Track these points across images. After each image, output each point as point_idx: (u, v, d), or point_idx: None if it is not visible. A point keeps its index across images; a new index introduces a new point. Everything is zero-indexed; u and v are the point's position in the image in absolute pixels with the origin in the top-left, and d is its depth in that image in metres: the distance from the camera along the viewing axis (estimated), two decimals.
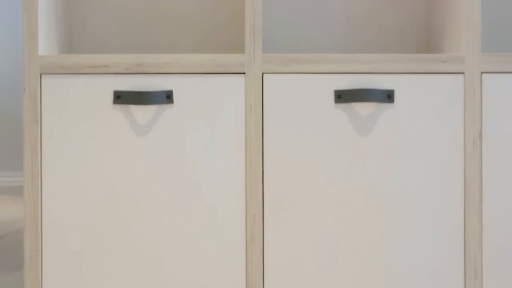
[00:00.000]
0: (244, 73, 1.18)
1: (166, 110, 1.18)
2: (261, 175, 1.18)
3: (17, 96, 3.42)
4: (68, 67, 1.17)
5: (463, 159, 1.19)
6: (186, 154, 1.17)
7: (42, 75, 1.17)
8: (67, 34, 1.37)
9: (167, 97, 1.17)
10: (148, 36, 1.41)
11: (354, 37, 1.43)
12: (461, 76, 1.19)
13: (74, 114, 1.17)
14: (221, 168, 1.17)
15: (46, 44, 1.21)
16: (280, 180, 1.18)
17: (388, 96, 1.18)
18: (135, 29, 1.41)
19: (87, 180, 1.17)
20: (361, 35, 1.43)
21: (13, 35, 3.42)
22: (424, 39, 1.43)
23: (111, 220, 1.17)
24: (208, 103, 1.18)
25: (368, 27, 1.43)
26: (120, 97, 1.17)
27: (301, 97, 1.18)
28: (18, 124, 3.50)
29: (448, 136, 1.19)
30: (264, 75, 1.18)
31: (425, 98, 1.19)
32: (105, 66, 1.17)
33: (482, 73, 1.19)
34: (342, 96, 1.18)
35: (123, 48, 1.41)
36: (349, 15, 1.43)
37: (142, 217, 1.17)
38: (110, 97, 1.17)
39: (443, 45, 1.32)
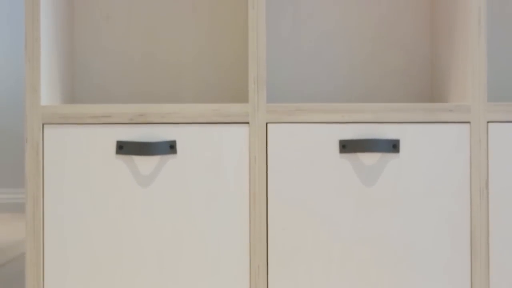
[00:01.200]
0: (248, 122, 1.17)
1: (170, 160, 1.16)
2: (265, 225, 1.17)
3: (18, 113, 3.41)
4: (70, 117, 1.16)
5: (469, 209, 1.17)
6: (190, 204, 1.16)
7: (45, 125, 1.16)
8: (69, 83, 1.36)
9: (170, 147, 1.16)
10: (150, 84, 1.40)
11: (357, 80, 1.42)
12: (467, 125, 1.18)
13: (77, 164, 1.16)
14: (225, 218, 1.16)
15: (48, 94, 1.20)
16: (285, 231, 1.17)
17: (393, 146, 1.17)
18: (137, 77, 1.40)
19: (90, 231, 1.16)
20: (364, 78, 1.42)
21: (15, 50, 3.41)
22: (428, 81, 1.42)
23: (115, 271, 1.16)
24: (212, 153, 1.17)
25: (371, 70, 1.42)
26: (123, 148, 1.15)
27: (306, 147, 1.17)
28: (18, 141, 3.49)
29: (454, 186, 1.18)
30: (268, 124, 1.17)
31: (431, 147, 1.18)
32: (108, 116, 1.16)
33: (488, 122, 1.18)
34: (347, 146, 1.17)
35: (125, 97, 1.40)
36: (352, 58, 1.42)
37: (145, 268, 1.16)
38: (113, 147, 1.16)
39: (448, 89, 1.31)
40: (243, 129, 1.17)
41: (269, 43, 1.40)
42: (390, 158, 1.17)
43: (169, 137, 1.17)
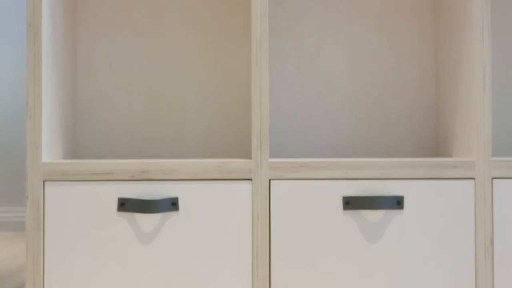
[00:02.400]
0: (251, 179, 1.16)
1: (172, 217, 1.15)
2: (268, 283, 1.16)
3: (20, 131, 3.40)
4: (71, 174, 1.15)
5: (474, 267, 1.16)
6: (192, 262, 1.15)
7: (45, 182, 1.15)
8: (71, 132, 1.35)
9: (172, 204, 1.15)
10: (153, 135, 1.40)
11: (362, 127, 1.41)
12: (471, 181, 1.17)
13: (78, 221, 1.15)
14: (227, 277, 1.15)
15: (49, 149, 1.19)
16: None
17: (397, 202, 1.16)
18: (140, 128, 1.40)
19: None
20: (368, 125, 1.41)
21: (18, 64, 3.40)
22: (433, 129, 1.41)
23: None
24: (214, 210, 1.16)
25: (375, 117, 1.41)
26: (125, 205, 1.15)
27: (309, 203, 1.16)
28: (21, 158, 3.49)
29: (459, 243, 1.16)
30: (271, 181, 1.16)
31: (435, 203, 1.17)
32: (109, 173, 1.15)
33: (493, 178, 1.17)
34: (350, 203, 1.16)
35: (128, 147, 1.39)
36: (356, 104, 1.41)
37: None
38: (115, 204, 1.15)
39: (453, 138, 1.30)
40: (246, 186, 1.16)
41: (272, 89, 1.39)
42: (394, 214, 1.16)
43: (171, 194, 1.16)
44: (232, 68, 1.40)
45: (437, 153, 1.41)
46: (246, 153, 1.37)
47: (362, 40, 1.42)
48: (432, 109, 1.41)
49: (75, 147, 1.38)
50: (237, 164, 1.16)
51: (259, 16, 1.17)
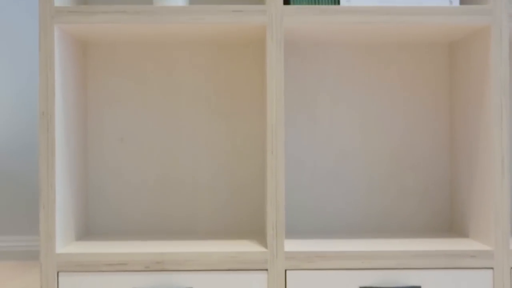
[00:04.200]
0: (266, 269, 1.15)
1: None
2: None
3: (31, 158, 3.39)
4: (85, 265, 1.14)
5: None
6: None
7: (59, 273, 1.14)
8: (83, 215, 1.34)
9: None
10: (164, 212, 1.39)
11: (375, 200, 1.40)
12: (490, 271, 1.16)
13: None
14: None
15: (63, 237, 1.18)
16: None
17: None
18: (152, 200, 1.38)
19: None
20: (382, 199, 1.40)
21: (16, 93, 3.40)
22: (448, 202, 1.40)
23: None
24: None
25: (389, 191, 1.40)
26: None
27: None
28: (21, 186, 3.48)
29: None
30: (287, 271, 1.15)
31: None
32: (124, 264, 1.14)
33: (511, 268, 1.16)
34: None
35: (140, 219, 1.38)
36: (370, 178, 1.40)
37: None
38: None
39: (469, 215, 1.29)
40: (261, 276, 1.15)
41: (286, 162, 1.38)
42: None
43: (185, 284, 1.14)
44: (244, 139, 1.39)
45: (451, 229, 1.39)
46: (257, 226, 1.35)
47: (375, 113, 1.40)
48: (446, 184, 1.40)
49: (87, 223, 1.37)
50: (252, 254, 1.15)
51: (274, 104, 1.16)
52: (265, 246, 1.18)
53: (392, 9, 1.17)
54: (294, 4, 1.20)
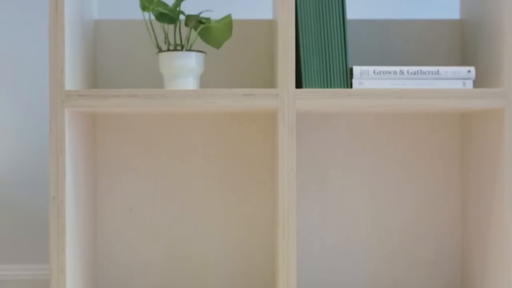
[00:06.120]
0: None
1: None
2: None
3: (40, 187, 3.38)
4: None
5: None
6: None
7: None
8: (92, 277, 1.34)
9: None
10: (174, 278, 1.39)
11: (386, 270, 1.39)
12: None
13: None
14: None
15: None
16: None
17: None
18: (161, 271, 1.38)
19: None
20: (392, 268, 1.39)
21: (18, 121, 3.39)
22: (458, 273, 1.39)
23: None
24: None
25: (399, 260, 1.39)
26: None
27: None
28: (24, 215, 3.46)
29: None
30: None
31: None
32: None
33: None
34: None
35: None
36: (381, 248, 1.39)
37: None
38: None
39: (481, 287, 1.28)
40: None
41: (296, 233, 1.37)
42: None
43: None
44: (253, 214, 1.38)
45: None
46: None
47: (386, 183, 1.39)
48: (457, 255, 1.39)
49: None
50: None
51: (286, 188, 1.15)
52: None
53: (405, 93, 1.16)
54: (306, 86, 1.19)
